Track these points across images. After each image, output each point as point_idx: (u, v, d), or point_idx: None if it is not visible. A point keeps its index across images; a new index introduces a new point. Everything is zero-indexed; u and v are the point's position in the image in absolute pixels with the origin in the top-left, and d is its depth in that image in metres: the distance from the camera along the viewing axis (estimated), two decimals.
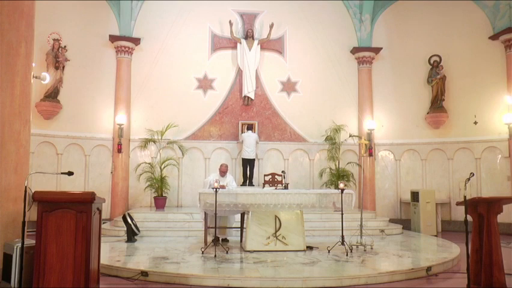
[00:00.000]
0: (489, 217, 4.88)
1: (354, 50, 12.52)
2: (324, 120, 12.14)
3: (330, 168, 11.75)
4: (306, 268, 6.19)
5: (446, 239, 9.38)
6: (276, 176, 10.38)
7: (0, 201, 4.76)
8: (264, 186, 9.99)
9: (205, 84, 12.29)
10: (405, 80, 12.40)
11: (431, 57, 12.10)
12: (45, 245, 4.16)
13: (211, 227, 7.75)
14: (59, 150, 11.08)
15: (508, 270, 5.09)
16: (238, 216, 8.41)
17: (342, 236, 7.44)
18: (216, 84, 12.29)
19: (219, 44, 12.46)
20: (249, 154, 11.48)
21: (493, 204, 4.92)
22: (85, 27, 11.58)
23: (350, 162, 11.79)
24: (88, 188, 11.08)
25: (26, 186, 4.33)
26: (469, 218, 4.96)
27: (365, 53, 12.44)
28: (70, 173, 4.91)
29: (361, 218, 8.20)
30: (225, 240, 8.34)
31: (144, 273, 5.71)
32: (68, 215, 4.21)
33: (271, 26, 12.27)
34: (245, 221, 7.83)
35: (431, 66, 12.10)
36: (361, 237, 7.88)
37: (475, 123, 11.55)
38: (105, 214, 10.57)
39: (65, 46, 11.05)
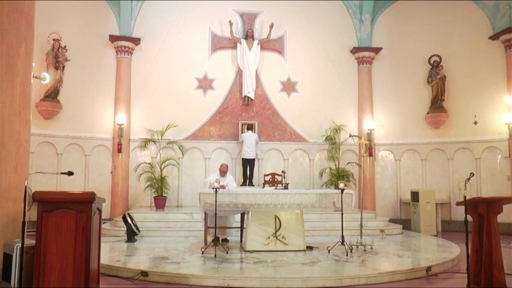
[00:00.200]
0: (489, 217, 4.88)
1: (354, 50, 12.52)
2: (324, 120, 12.14)
3: (330, 168, 11.75)
4: (306, 268, 6.19)
5: (446, 239, 9.38)
6: (276, 176, 10.38)
7: (0, 201, 4.76)
8: (264, 186, 9.99)
9: (205, 84, 12.29)
10: (405, 80, 12.40)
11: (431, 57, 12.10)
12: (45, 245, 4.16)
13: (211, 227, 7.75)
14: (59, 150, 11.08)
15: (508, 270, 5.09)
16: (238, 216, 8.41)
17: (342, 236, 7.44)
18: (216, 84, 12.30)
19: (219, 44, 12.46)
20: (249, 154, 11.48)
21: (493, 204, 4.92)
22: (85, 27, 11.58)
23: (350, 162, 11.79)
24: (88, 188, 11.08)
25: (26, 186, 4.33)
26: (469, 218, 4.96)
27: (365, 53, 12.44)
28: (70, 173, 4.91)
29: (361, 218, 8.20)
30: (225, 240, 8.34)
31: (144, 273, 5.71)
32: (68, 215, 4.21)
33: (271, 26, 12.27)
34: (245, 221, 7.83)
35: (431, 66, 12.10)
36: (361, 237, 7.88)
37: (475, 123, 11.55)
38: (105, 214, 10.57)
39: (65, 46, 11.05)
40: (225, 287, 5.42)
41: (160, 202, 10.88)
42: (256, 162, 11.84)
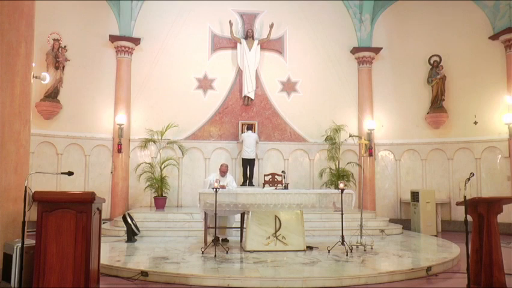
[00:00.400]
0: (489, 217, 4.88)
1: (354, 50, 12.52)
2: (324, 120, 12.14)
3: (330, 168, 11.75)
4: (306, 268, 6.19)
5: (446, 239, 9.38)
6: (276, 176, 10.38)
7: (0, 201, 4.76)
8: (264, 186, 9.99)
9: (205, 84, 12.29)
10: (405, 80, 12.40)
11: (431, 57, 12.10)
12: (45, 245, 4.16)
13: (211, 227, 7.75)
14: (59, 150, 11.08)
15: (508, 270, 5.09)
16: (238, 216, 8.41)
17: (342, 236, 7.44)
18: (216, 84, 12.29)
19: (219, 44, 12.46)
20: (249, 154, 11.48)
21: (493, 204, 4.92)
22: (85, 27, 11.58)
23: (350, 162, 11.79)
24: (88, 188, 11.08)
25: (26, 186, 4.33)
26: (469, 218, 4.96)
27: (365, 53, 12.44)
28: (70, 173, 4.91)
29: (361, 218, 8.20)
30: (225, 240, 8.34)
31: (144, 273, 5.71)
32: (68, 215, 4.21)
33: (271, 26, 12.27)
34: (245, 221, 7.83)
35: (431, 66, 12.10)
36: (361, 237, 7.88)
37: (475, 123, 11.55)
38: (105, 214, 10.57)
39: (65, 46, 11.05)
40: (225, 287, 5.42)
41: (160, 202, 10.88)
42: (256, 162, 11.84)
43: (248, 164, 11.55)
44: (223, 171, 8.50)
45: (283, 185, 8.28)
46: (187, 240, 8.55)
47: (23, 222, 4.32)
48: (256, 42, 12.26)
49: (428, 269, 6.16)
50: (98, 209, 4.61)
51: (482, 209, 4.93)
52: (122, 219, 8.78)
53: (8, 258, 4.53)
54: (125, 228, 8.53)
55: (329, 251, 7.27)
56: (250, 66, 12.12)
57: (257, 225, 7.39)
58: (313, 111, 12.37)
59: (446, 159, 11.93)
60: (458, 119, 11.81)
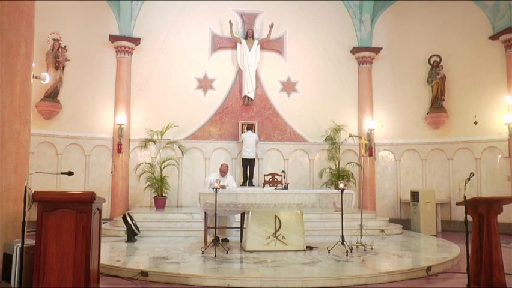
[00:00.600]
0: (489, 217, 4.88)
1: (354, 50, 12.52)
2: (324, 120, 12.14)
3: (330, 168, 11.74)
4: (306, 268, 6.19)
5: (446, 239, 9.37)
6: (276, 176, 10.38)
7: (0, 201, 4.76)
8: (264, 186, 9.98)
9: (205, 84, 12.29)
10: (405, 80, 12.40)
11: (431, 57, 12.10)
12: (45, 245, 4.16)
13: (211, 227, 7.75)
14: (59, 150, 11.08)
15: (508, 270, 5.09)
16: (238, 216, 8.41)
17: (342, 236, 7.44)
18: (216, 84, 12.29)
19: (219, 44, 12.46)
20: (249, 154, 11.48)
21: (493, 204, 4.92)
22: (85, 27, 11.58)
23: (350, 162, 11.79)
24: (88, 188, 11.08)
25: (26, 186, 4.33)
26: (469, 218, 4.96)
27: (365, 53, 12.44)
28: (70, 173, 4.91)
29: (361, 218, 8.20)
30: (225, 240, 8.34)
31: (144, 273, 5.71)
32: (68, 215, 4.21)
33: (271, 26, 12.27)
34: (245, 221, 7.83)
35: (431, 66, 12.10)
36: (361, 237, 7.88)
37: (475, 123, 11.55)
38: (105, 214, 10.57)
39: (65, 46, 11.05)
40: (225, 287, 5.42)
41: (160, 202, 10.88)
42: (256, 162, 11.84)
43: (248, 164, 11.55)
44: (223, 171, 8.50)
45: (283, 185, 8.28)
46: (187, 240, 8.55)
47: (23, 222, 4.32)
48: (256, 42, 12.26)
49: (428, 269, 6.16)
50: (98, 209, 4.61)
51: (482, 209, 4.93)
52: (122, 219, 8.78)
53: (8, 258, 4.53)
54: (125, 228, 8.53)
55: (329, 251, 7.27)
56: (250, 66, 12.12)
57: (257, 225, 7.39)
58: (313, 111, 12.37)
59: (446, 159, 11.93)
60: (458, 119, 11.81)
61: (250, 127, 11.86)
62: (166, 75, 12.09)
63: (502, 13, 11.22)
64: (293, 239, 7.41)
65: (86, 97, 11.48)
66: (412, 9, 12.43)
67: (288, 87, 12.50)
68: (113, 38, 11.77)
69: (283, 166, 12.03)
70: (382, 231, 9.72)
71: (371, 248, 7.60)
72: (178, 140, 11.74)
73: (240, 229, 8.27)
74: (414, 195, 11.12)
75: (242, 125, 12.11)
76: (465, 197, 5.00)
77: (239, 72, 12.31)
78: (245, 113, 12.29)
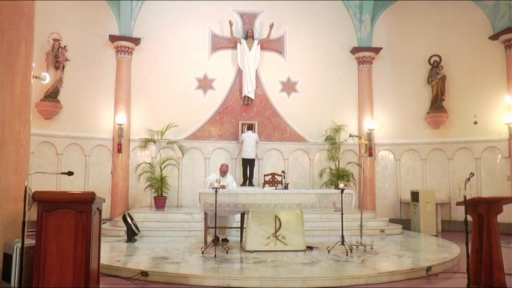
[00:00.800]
0: (489, 217, 4.88)
1: (354, 50, 12.52)
2: (324, 120, 12.14)
3: (330, 168, 11.74)
4: (306, 268, 6.19)
5: (446, 239, 9.37)
6: (276, 176, 10.38)
7: (0, 201, 4.76)
8: (264, 186, 9.98)
9: (205, 84, 12.29)
10: (405, 80, 12.40)
11: (431, 57, 12.10)
12: (45, 245, 4.16)
13: (211, 227, 7.75)
14: (59, 150, 11.08)
15: (508, 270, 5.09)
16: (238, 216, 8.41)
17: (342, 236, 7.44)
18: (216, 84, 12.29)
19: (219, 44, 12.46)
20: (249, 154, 11.47)
21: (493, 204, 4.92)
22: (85, 27, 11.58)
23: (350, 162, 11.79)
24: (88, 188, 11.08)
25: (26, 186, 4.33)
26: (469, 218, 4.96)
27: (365, 53, 12.44)
28: (70, 173, 4.91)
29: (361, 218, 8.20)
30: (225, 240, 8.34)
31: (144, 273, 5.71)
32: (68, 215, 4.21)
33: (271, 26, 12.27)
34: (245, 221, 7.83)
35: (431, 66, 12.10)
36: (361, 237, 7.88)
37: (475, 123, 11.55)
38: (105, 214, 10.57)
39: (65, 46, 11.05)
40: (225, 287, 5.42)
41: (160, 202, 10.88)
42: (256, 162, 11.83)
43: (248, 164, 11.55)
44: (223, 171, 8.50)
45: (283, 185, 8.28)
46: (187, 240, 8.55)
47: (23, 222, 4.32)
48: (256, 42, 12.26)
49: (428, 269, 6.16)
50: (98, 209, 4.61)
51: (482, 209, 4.93)
52: (122, 219, 8.78)
53: (8, 258, 4.54)
54: (125, 228, 8.53)
55: (329, 251, 7.27)
56: (250, 66, 12.12)
57: (257, 225, 7.39)
58: (313, 111, 12.37)
59: (446, 159, 11.93)
60: (458, 119, 11.81)
61: (250, 127, 11.85)
62: (166, 75, 12.09)
63: (502, 13, 11.22)
64: (293, 239, 7.41)
65: (86, 97, 11.48)
66: (412, 9, 12.43)
67: (288, 87, 12.50)
68: (113, 38, 11.77)
69: (283, 166, 12.03)
70: (382, 231, 9.72)
71: (371, 248, 7.60)
72: (178, 140, 11.73)
73: (240, 229, 8.27)
74: (414, 195, 11.12)
75: (242, 125, 12.11)
76: (465, 197, 5.00)
77: (239, 72, 12.31)
78: (245, 113, 12.29)
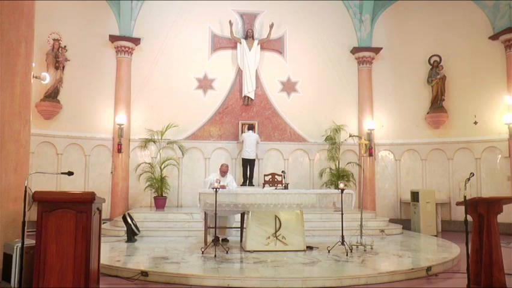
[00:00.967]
0: (489, 217, 4.88)
1: (354, 50, 12.52)
2: (324, 120, 12.14)
3: (330, 168, 11.74)
4: (306, 268, 6.19)
5: (446, 239, 9.37)
6: (276, 176, 10.38)
7: (0, 201, 4.76)
8: (264, 186, 9.98)
9: (205, 84, 12.29)
10: (405, 80, 12.40)
11: (431, 57, 12.10)
12: (45, 245, 4.16)
13: (211, 227, 7.75)
14: (59, 150, 11.08)
15: (508, 270, 5.09)
16: (238, 216, 8.41)
17: (342, 236, 7.44)
18: (216, 84, 12.29)
19: (219, 44, 12.46)
20: (249, 154, 11.46)
21: (493, 204, 4.92)
22: (85, 27, 11.58)
23: (350, 162, 11.79)
24: (88, 188, 11.08)
25: (26, 186, 4.33)
26: (469, 218, 4.96)
27: (365, 53, 12.44)
28: (70, 173, 4.91)
29: (361, 218, 8.20)
30: (225, 240, 8.34)
31: (144, 273, 5.71)
32: (68, 215, 4.21)
33: (271, 26, 12.27)
34: (245, 221, 7.83)
35: (431, 66, 12.10)
36: (361, 237, 7.88)
37: (475, 123, 11.55)
38: (105, 214, 10.57)
39: (65, 46, 11.04)
40: (225, 287, 5.42)
41: (160, 202, 10.88)
42: (256, 162, 11.83)
43: (248, 164, 11.54)
44: (224, 171, 8.51)
45: (283, 185, 8.28)
46: (187, 240, 8.55)
47: (23, 222, 4.32)
48: (256, 42, 12.26)
49: (428, 269, 6.16)
50: (98, 209, 4.61)
51: (482, 209, 4.93)
52: (122, 219, 8.78)
53: (8, 258, 4.54)
54: (125, 228, 8.53)
55: (329, 251, 7.27)
56: (250, 66, 12.12)
57: (257, 225, 7.39)
58: (313, 111, 12.37)
59: (446, 159, 11.93)
60: (458, 119, 11.81)
61: (251, 127, 11.82)
62: (166, 75, 12.09)
63: (502, 13, 11.22)
64: (293, 239, 7.41)
65: (86, 97, 11.48)
66: (412, 9, 12.43)
67: (288, 87, 12.50)
68: (113, 38, 11.77)
69: (283, 166, 12.02)
70: (382, 231, 9.72)
71: (371, 248, 7.61)
72: (178, 140, 11.73)
73: (240, 229, 8.27)
74: (414, 195, 11.12)
75: (242, 125, 12.11)
76: (465, 197, 5.00)
77: (239, 72, 12.31)
78: (245, 113, 12.29)
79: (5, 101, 4.90)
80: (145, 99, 11.96)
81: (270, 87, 12.43)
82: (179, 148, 11.56)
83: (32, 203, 4.38)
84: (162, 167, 11.18)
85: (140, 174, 11.27)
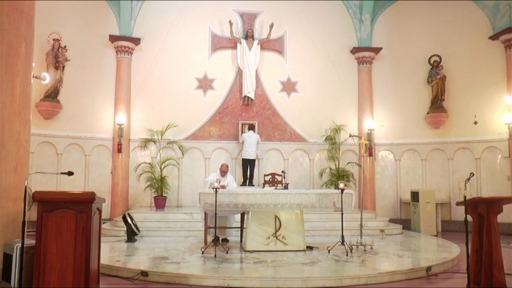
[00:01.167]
0: (489, 217, 4.88)
1: (354, 50, 12.52)
2: (324, 120, 12.14)
3: (330, 168, 11.74)
4: (306, 268, 6.19)
5: (446, 239, 9.38)
6: (276, 176, 10.37)
7: (0, 201, 4.76)
8: (264, 186, 9.97)
9: (205, 84, 12.29)
10: (405, 80, 12.40)
11: (431, 57, 12.10)
12: (45, 245, 4.16)
13: (211, 227, 7.75)
14: (59, 150, 11.08)
15: (508, 270, 5.09)
16: (238, 216, 8.41)
17: (342, 236, 7.44)
18: (216, 84, 12.29)
19: (219, 44, 12.46)
20: (249, 154, 11.44)
21: (493, 204, 4.92)
22: (85, 27, 11.58)
23: (350, 162, 11.79)
24: (88, 188, 11.08)
25: (26, 186, 4.34)
26: (469, 218, 4.96)
27: (365, 53, 12.44)
28: (70, 173, 4.91)
29: (361, 218, 8.20)
30: (225, 240, 8.34)
31: (144, 273, 5.71)
32: (68, 215, 4.21)
33: (271, 26, 12.27)
34: (245, 221, 7.83)
35: (431, 66, 12.10)
36: (361, 237, 7.88)
37: (475, 123, 11.55)
38: (105, 214, 10.57)
39: (65, 46, 11.04)
40: (225, 287, 5.42)
41: (160, 202, 10.88)
42: (256, 162, 11.82)
43: (248, 164, 11.53)
44: (224, 171, 8.51)
45: (283, 185, 8.28)
46: (187, 240, 8.55)
47: (23, 222, 4.32)
48: (256, 42, 12.26)
49: (428, 269, 6.16)
50: (98, 209, 4.61)
51: (482, 209, 4.93)
52: (122, 219, 8.78)
53: (8, 258, 4.54)
54: (125, 228, 8.53)
55: (329, 251, 7.27)
56: (250, 66, 12.12)
57: (257, 225, 7.39)
58: (313, 111, 12.37)
59: (446, 159, 11.93)
60: (458, 119, 11.81)
61: (251, 127, 11.81)
62: (166, 75, 12.09)
63: (502, 13, 11.22)
64: (293, 239, 7.41)
65: (86, 97, 11.48)
66: (412, 9, 12.43)
67: (288, 87, 12.50)
68: (113, 38, 11.77)
69: (283, 166, 12.02)
70: (382, 231, 9.72)
71: (371, 248, 7.61)
72: (178, 140, 11.73)
73: (240, 229, 8.27)
74: (414, 195, 11.12)
75: (242, 125, 12.10)
76: (465, 197, 5.00)
77: (239, 72, 12.31)
78: (245, 113, 12.29)
79: (5, 101, 4.90)
80: (145, 99, 11.96)
81: (270, 87, 12.43)
82: (179, 148, 11.56)
83: (32, 203, 4.38)
84: (162, 167, 11.18)
85: (140, 174, 11.27)
